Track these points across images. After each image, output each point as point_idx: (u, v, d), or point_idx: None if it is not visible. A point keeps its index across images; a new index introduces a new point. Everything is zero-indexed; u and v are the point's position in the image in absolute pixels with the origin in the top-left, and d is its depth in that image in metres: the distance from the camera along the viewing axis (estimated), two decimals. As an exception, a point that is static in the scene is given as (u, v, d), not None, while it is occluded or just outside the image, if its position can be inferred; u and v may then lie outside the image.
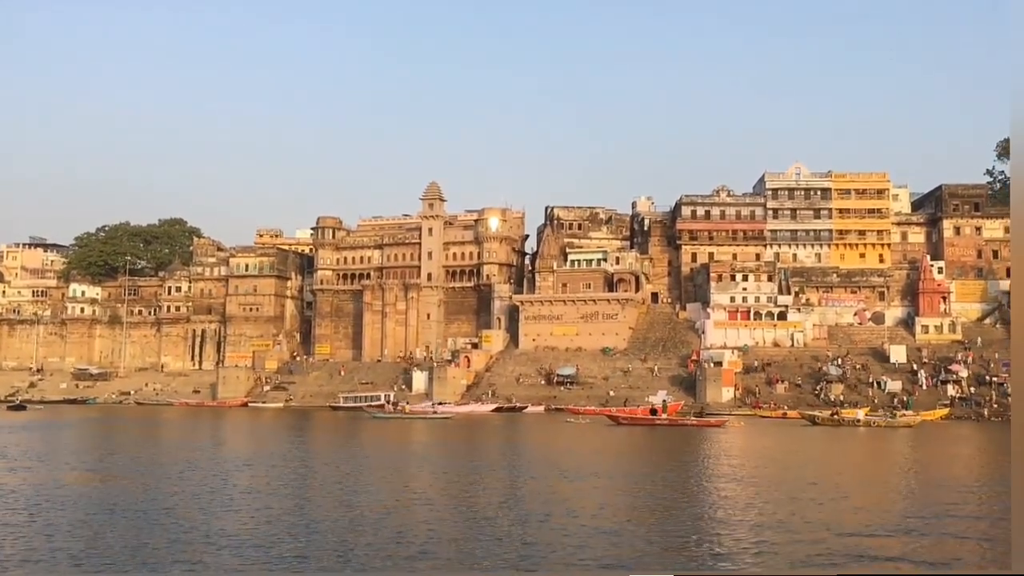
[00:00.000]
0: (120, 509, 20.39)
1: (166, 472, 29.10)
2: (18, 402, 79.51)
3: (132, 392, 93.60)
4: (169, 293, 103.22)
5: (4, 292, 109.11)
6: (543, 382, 78.66)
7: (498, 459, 34.80)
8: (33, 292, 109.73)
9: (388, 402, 71.81)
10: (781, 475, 28.99)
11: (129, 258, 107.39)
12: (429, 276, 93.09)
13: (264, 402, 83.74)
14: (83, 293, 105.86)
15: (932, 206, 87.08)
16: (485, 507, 21.12)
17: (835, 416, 55.39)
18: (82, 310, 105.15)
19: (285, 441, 45.11)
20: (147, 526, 18.14)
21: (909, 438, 45.79)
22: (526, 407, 72.12)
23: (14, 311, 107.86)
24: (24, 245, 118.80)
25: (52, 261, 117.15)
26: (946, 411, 62.93)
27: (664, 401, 62.57)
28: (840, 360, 73.95)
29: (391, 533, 17.29)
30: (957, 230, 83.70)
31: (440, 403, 70.21)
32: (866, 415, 55.15)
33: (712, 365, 73.24)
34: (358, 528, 17.93)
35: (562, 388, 76.85)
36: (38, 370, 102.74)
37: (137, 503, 21.39)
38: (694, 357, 76.56)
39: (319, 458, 35.29)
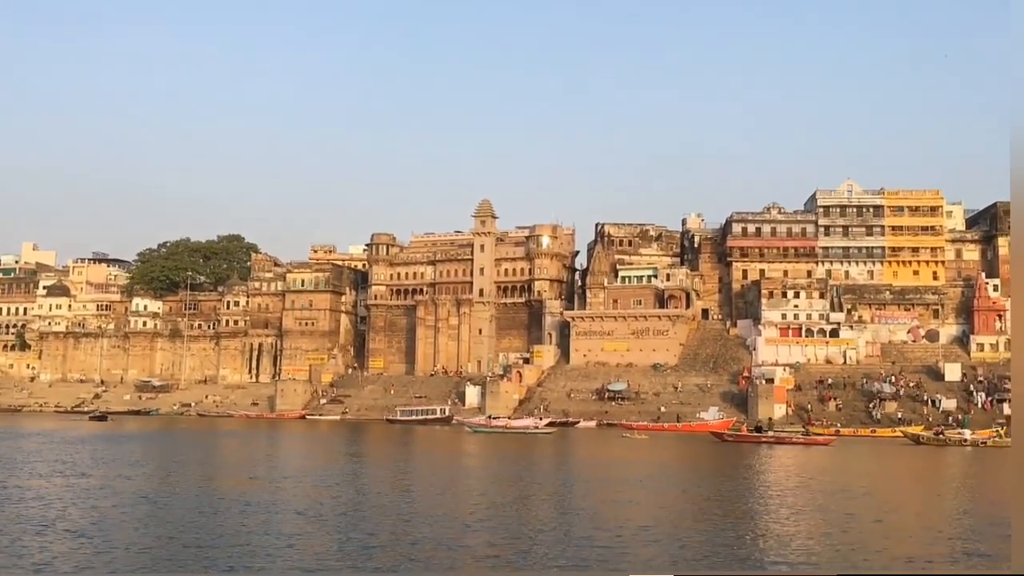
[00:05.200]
0: (302, 510, 23.89)
1: (305, 479, 31.70)
2: (99, 413, 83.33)
3: (192, 404, 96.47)
4: (227, 307, 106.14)
5: (70, 306, 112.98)
6: (594, 397, 79.51)
7: (645, 477, 34.46)
8: (97, 306, 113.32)
9: (489, 417, 71.80)
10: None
11: (189, 273, 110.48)
12: (481, 292, 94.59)
13: (321, 415, 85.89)
14: (145, 307, 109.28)
15: (987, 223, 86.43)
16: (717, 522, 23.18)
17: (939, 435, 55.05)
18: (144, 324, 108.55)
19: (385, 453, 46.98)
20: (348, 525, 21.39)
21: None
22: (579, 422, 73.13)
23: (79, 325, 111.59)
24: (89, 260, 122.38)
25: (115, 276, 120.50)
26: (1003, 430, 62.40)
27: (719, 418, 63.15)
28: (893, 378, 73.70)
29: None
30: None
31: (495, 417, 71.34)
32: (972, 435, 54.75)
33: (764, 382, 73.50)
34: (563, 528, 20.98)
35: (613, 403, 77.66)
36: (102, 382, 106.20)
37: (307, 504, 24.76)
38: (745, 374, 76.92)
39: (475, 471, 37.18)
